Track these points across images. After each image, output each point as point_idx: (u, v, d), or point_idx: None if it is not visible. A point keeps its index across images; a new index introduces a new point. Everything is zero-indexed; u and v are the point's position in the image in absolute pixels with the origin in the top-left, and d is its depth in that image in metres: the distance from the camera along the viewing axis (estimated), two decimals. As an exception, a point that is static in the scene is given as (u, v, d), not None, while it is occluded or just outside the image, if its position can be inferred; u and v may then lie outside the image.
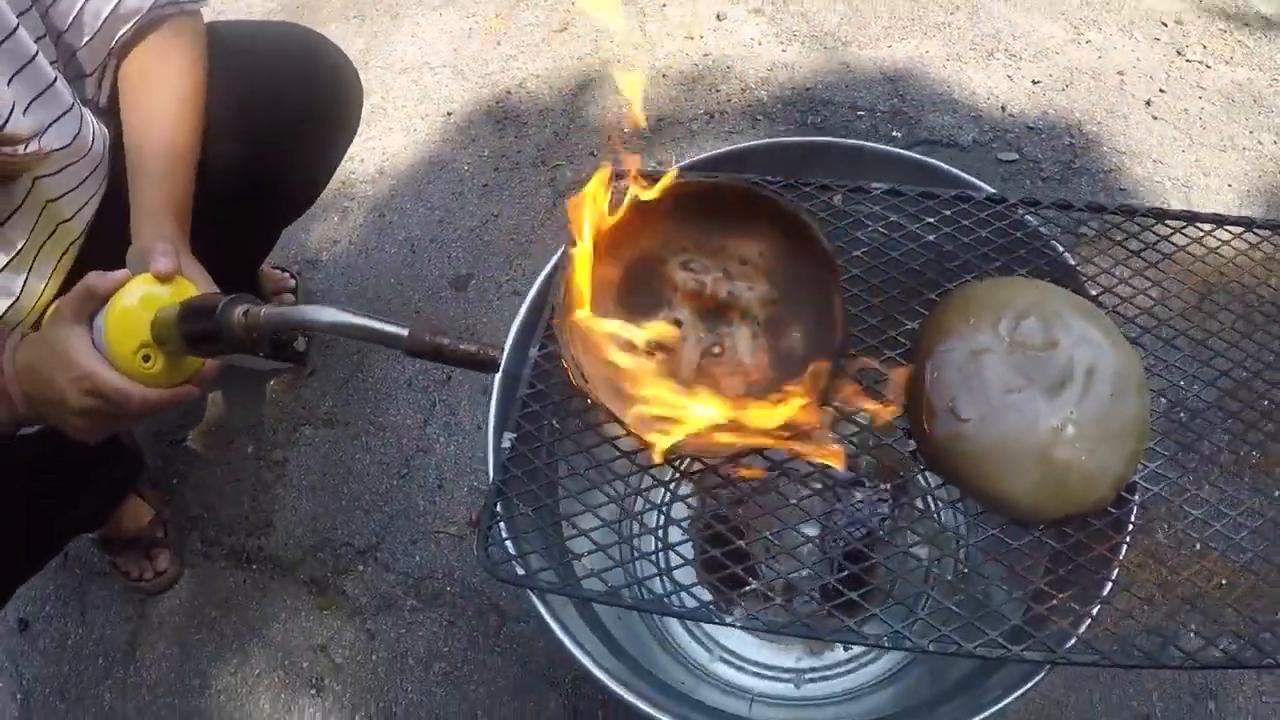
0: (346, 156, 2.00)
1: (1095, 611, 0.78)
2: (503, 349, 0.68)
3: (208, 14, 1.15)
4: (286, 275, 1.79)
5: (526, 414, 0.86)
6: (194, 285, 0.90)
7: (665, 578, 0.78)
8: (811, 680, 1.28)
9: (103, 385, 0.82)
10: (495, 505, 0.80)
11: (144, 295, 0.83)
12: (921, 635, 0.73)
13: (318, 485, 1.65)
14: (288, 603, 1.55)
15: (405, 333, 0.67)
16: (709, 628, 1.29)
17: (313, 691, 1.47)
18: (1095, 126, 1.91)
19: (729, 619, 0.74)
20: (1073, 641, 0.75)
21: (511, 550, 0.87)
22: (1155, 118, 1.91)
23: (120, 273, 0.85)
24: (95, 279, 0.84)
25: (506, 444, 0.84)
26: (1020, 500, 0.75)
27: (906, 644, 0.70)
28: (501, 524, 0.85)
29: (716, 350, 0.91)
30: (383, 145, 2.07)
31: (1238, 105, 1.91)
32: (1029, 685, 0.81)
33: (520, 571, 0.80)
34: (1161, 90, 1.95)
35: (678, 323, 0.93)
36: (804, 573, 1.09)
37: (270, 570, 1.58)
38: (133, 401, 0.83)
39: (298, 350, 0.82)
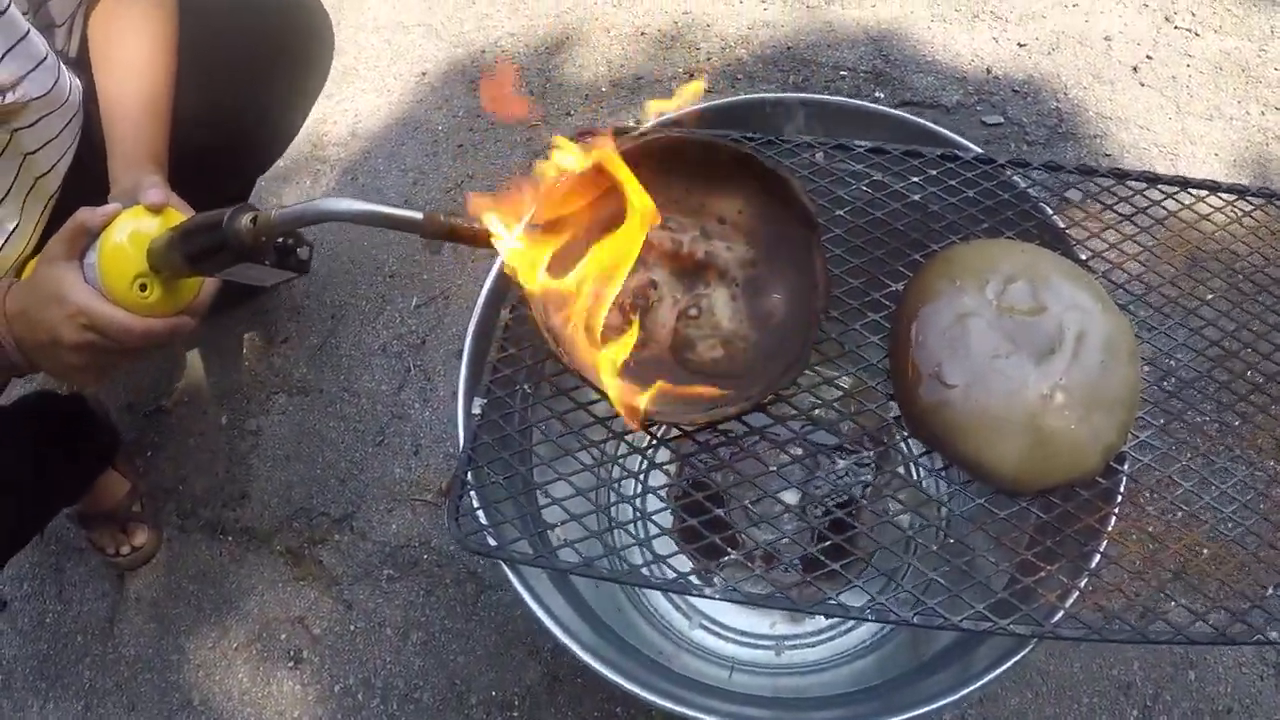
0: (319, 119, 1.95)
1: (1083, 584, 0.77)
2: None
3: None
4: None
5: (498, 378, 0.83)
6: (182, 217, 0.88)
7: (643, 548, 0.75)
8: (792, 647, 1.27)
9: (100, 318, 0.81)
10: (466, 474, 0.78)
11: (136, 228, 0.83)
12: (906, 606, 0.71)
13: (292, 454, 1.62)
14: (264, 574, 1.52)
15: (420, 216, 0.69)
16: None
17: (291, 664, 1.45)
18: (1081, 91, 1.88)
19: (708, 591, 0.72)
20: (1060, 615, 0.74)
21: (483, 520, 0.84)
22: (1142, 84, 1.88)
23: (110, 207, 0.84)
24: (86, 214, 0.83)
25: (477, 410, 0.81)
26: (1007, 469, 0.73)
27: (891, 617, 0.69)
28: (473, 493, 0.83)
29: (693, 313, 0.88)
30: (355, 106, 2.02)
31: (1225, 74, 1.88)
32: (1014, 660, 0.80)
33: (493, 543, 0.77)
34: (1149, 57, 1.92)
35: (653, 283, 0.90)
36: (784, 541, 1.08)
37: (246, 541, 1.56)
38: (134, 333, 0.82)
39: (301, 259, 0.81)
